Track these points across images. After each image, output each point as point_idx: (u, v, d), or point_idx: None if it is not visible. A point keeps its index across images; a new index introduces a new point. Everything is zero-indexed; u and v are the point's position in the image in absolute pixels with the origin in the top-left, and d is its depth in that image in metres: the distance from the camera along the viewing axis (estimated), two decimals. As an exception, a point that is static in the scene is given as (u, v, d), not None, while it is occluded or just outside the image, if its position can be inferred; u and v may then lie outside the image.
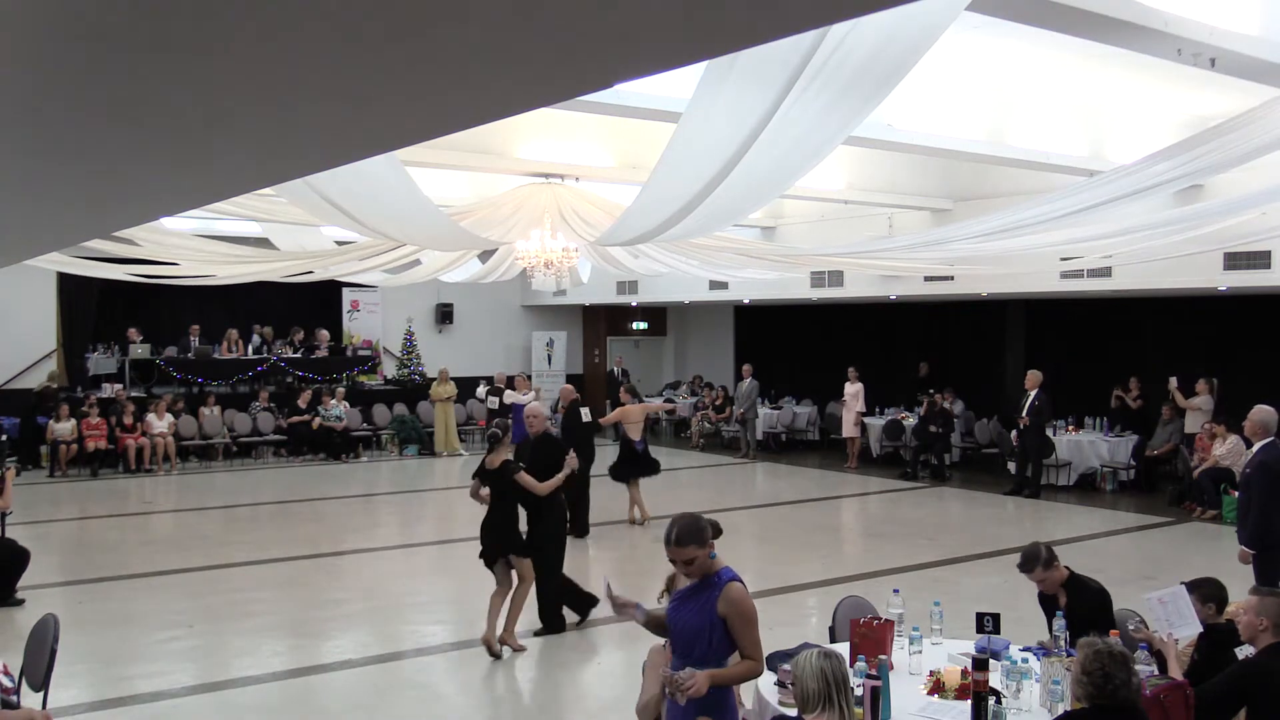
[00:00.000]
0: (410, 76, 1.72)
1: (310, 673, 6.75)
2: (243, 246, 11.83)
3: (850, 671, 4.23)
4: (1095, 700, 3.36)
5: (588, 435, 10.79)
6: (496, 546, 7.08)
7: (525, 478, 7.07)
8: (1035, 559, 4.78)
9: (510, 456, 7.24)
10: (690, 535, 3.61)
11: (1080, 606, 4.67)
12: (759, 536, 11.00)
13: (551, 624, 7.45)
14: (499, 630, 7.00)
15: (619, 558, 10.36)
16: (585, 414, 10.75)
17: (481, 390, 17.69)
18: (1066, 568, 4.88)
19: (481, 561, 7.14)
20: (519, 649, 7.05)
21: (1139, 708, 3.45)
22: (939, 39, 4.76)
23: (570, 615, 7.62)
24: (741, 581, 3.69)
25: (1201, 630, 4.64)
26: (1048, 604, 4.90)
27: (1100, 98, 8.94)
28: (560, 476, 7.27)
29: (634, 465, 11.53)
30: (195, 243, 10.97)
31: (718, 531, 4.01)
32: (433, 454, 17.79)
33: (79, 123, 2.08)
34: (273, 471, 16.13)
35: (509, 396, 15.22)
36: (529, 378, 16.85)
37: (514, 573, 7.13)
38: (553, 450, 7.65)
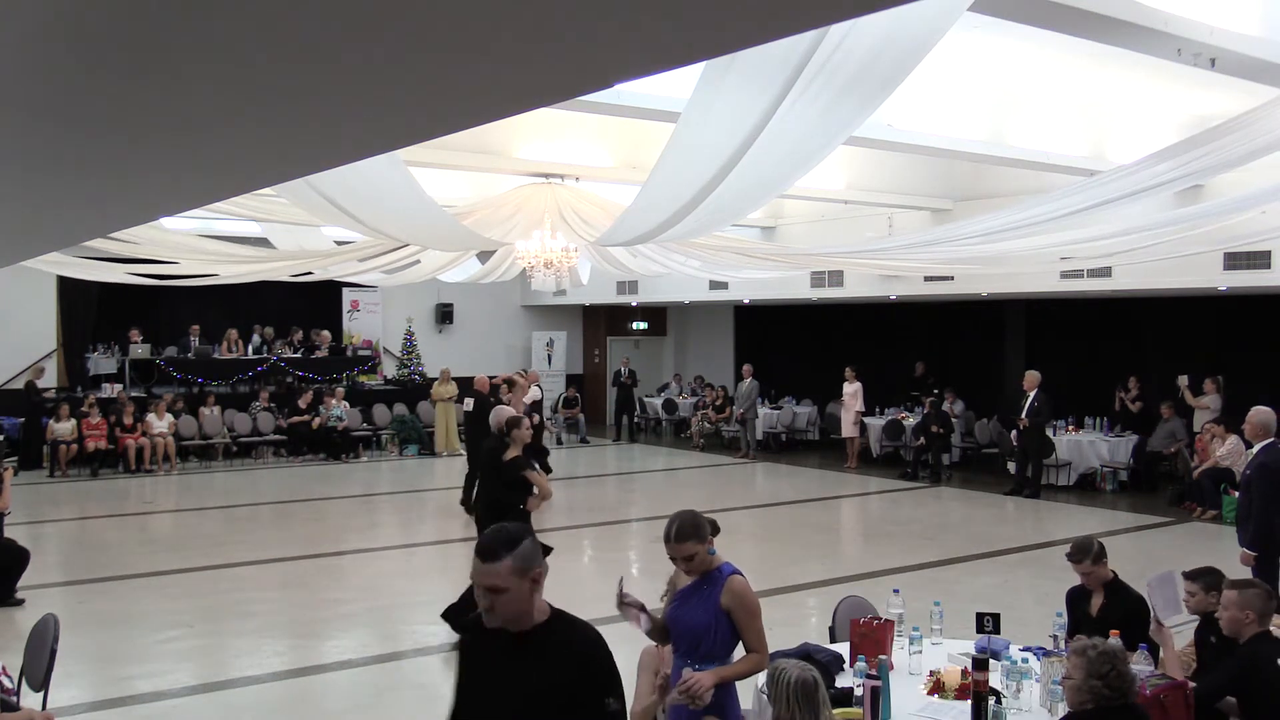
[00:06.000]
0: (409, 76, 1.72)
1: (310, 673, 6.75)
2: (243, 246, 11.82)
3: (842, 675, 4.23)
4: (1112, 701, 3.31)
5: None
6: None
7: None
8: (1087, 550, 4.79)
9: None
10: (688, 531, 3.63)
11: (1118, 610, 4.68)
12: (759, 536, 10.99)
13: None
14: None
15: (618, 559, 10.36)
16: (468, 403, 11.26)
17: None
18: (1113, 571, 4.89)
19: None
20: None
21: (1139, 704, 3.46)
22: (940, 40, 4.76)
23: None
24: (742, 575, 3.70)
25: (1187, 620, 4.69)
26: (1075, 603, 4.92)
27: (1101, 97, 8.94)
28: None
29: None
30: (195, 242, 10.97)
31: (715, 530, 4.02)
32: (433, 454, 17.78)
33: (76, 125, 2.08)
34: (273, 471, 16.13)
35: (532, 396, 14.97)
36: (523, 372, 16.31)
37: None
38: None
